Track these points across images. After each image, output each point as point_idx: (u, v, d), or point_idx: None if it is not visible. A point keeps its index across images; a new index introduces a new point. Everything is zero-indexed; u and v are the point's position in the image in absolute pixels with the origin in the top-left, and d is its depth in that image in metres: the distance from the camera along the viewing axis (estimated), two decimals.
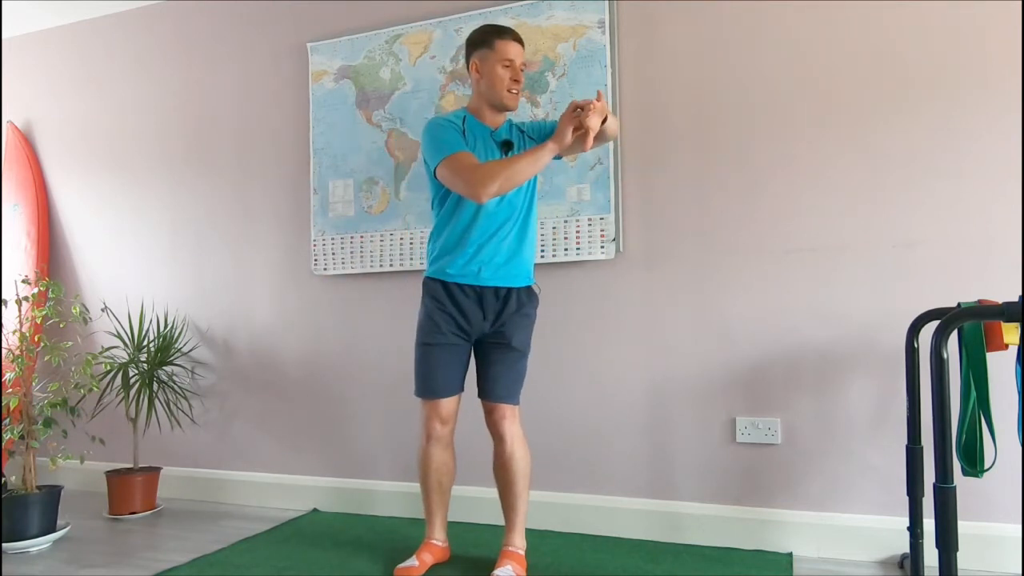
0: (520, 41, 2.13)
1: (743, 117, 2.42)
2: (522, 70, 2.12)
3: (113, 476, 2.92)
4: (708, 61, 2.47)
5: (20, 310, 2.78)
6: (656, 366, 2.50)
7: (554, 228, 2.59)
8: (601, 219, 2.54)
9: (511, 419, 2.10)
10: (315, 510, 2.94)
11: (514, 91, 2.11)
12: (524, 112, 2.63)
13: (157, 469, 3.08)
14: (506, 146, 2.11)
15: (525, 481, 2.13)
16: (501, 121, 2.17)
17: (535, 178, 2.14)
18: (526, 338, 2.15)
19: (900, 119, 2.26)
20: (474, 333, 2.12)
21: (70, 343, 3.19)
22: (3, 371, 2.71)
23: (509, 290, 2.11)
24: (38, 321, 3.06)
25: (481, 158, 2.06)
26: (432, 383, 2.12)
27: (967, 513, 2.02)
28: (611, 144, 2.49)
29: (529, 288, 2.17)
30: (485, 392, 2.12)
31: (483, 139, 2.12)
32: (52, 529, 2.55)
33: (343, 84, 2.96)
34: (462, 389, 2.18)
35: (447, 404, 2.14)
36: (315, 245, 2.98)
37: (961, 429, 1.71)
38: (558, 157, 2.09)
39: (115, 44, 3.47)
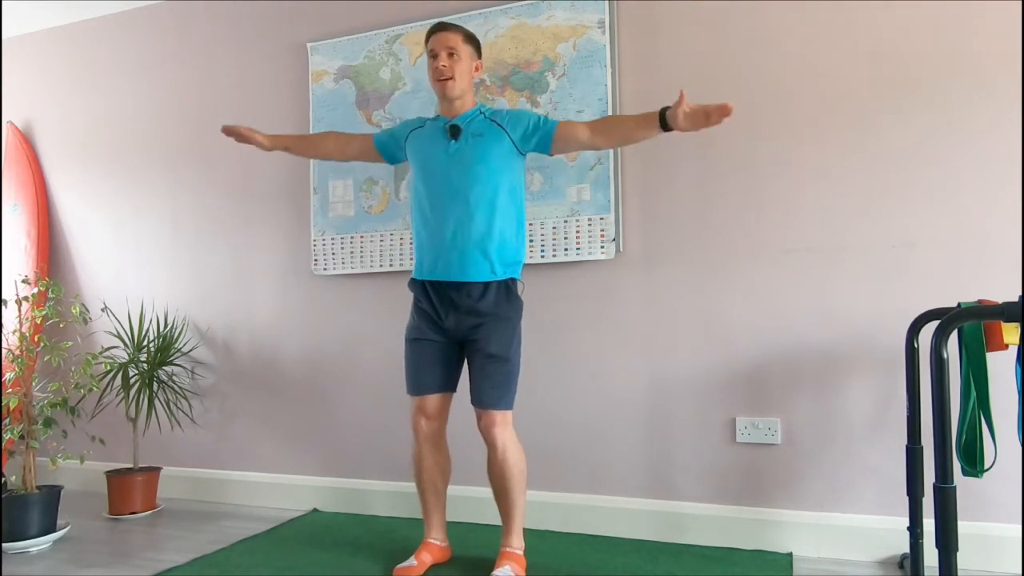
0: (445, 28, 2.14)
1: (743, 117, 2.41)
2: (451, 54, 2.11)
3: (113, 476, 2.92)
4: (708, 61, 2.47)
5: (20, 310, 2.78)
6: (656, 366, 2.50)
7: (554, 228, 2.59)
8: (601, 219, 2.54)
9: (501, 425, 2.08)
10: (315, 510, 2.94)
11: (442, 77, 2.11)
12: None
13: (157, 469, 3.08)
14: (452, 131, 2.13)
15: (520, 484, 2.13)
16: (460, 110, 2.16)
17: (502, 167, 2.10)
18: (505, 343, 2.09)
19: (900, 119, 2.26)
20: (451, 331, 2.12)
21: (70, 343, 3.19)
22: (3, 371, 2.71)
23: (486, 285, 2.08)
24: (38, 321, 3.07)
25: (429, 148, 2.16)
26: (414, 379, 2.17)
27: (967, 513, 2.03)
28: None
29: (507, 287, 2.11)
30: (473, 398, 2.12)
31: (438, 130, 2.17)
32: (52, 529, 2.55)
33: (343, 84, 2.96)
34: (451, 388, 2.20)
35: (431, 401, 2.16)
36: (315, 245, 2.98)
37: (961, 429, 1.71)
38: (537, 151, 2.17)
39: (115, 44, 3.47)
